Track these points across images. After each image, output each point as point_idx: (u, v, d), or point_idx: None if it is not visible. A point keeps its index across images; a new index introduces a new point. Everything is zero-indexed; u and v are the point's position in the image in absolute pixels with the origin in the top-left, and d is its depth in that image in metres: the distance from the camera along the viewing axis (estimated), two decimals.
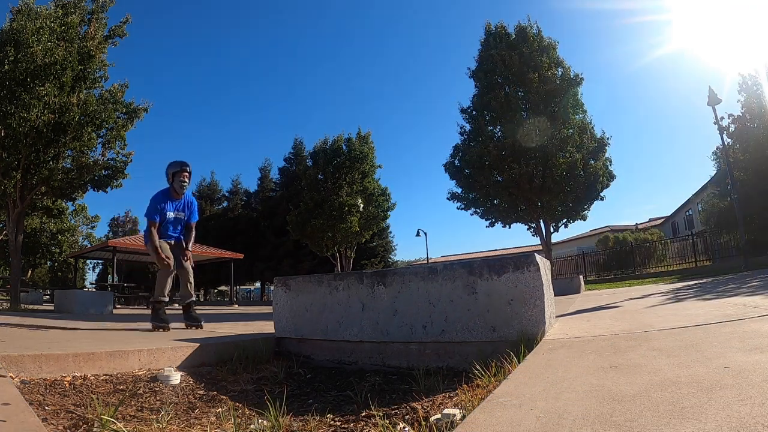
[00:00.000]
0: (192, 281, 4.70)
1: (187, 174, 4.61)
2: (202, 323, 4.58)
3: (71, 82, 10.99)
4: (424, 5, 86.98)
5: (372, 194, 21.64)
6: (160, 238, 4.48)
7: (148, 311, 4.97)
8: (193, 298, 4.72)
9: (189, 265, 4.66)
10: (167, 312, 4.54)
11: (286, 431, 1.75)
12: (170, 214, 4.59)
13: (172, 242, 4.65)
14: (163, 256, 4.34)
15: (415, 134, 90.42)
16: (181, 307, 4.70)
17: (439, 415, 1.67)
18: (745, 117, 16.95)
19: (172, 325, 4.44)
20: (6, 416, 1.38)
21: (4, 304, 12.23)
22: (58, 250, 30.27)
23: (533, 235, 16.61)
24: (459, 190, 16.55)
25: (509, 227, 16.77)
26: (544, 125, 14.62)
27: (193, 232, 4.86)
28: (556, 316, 3.59)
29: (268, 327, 3.96)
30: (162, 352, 2.69)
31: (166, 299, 4.48)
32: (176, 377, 2.42)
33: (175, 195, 4.60)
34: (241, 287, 43.73)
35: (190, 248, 4.73)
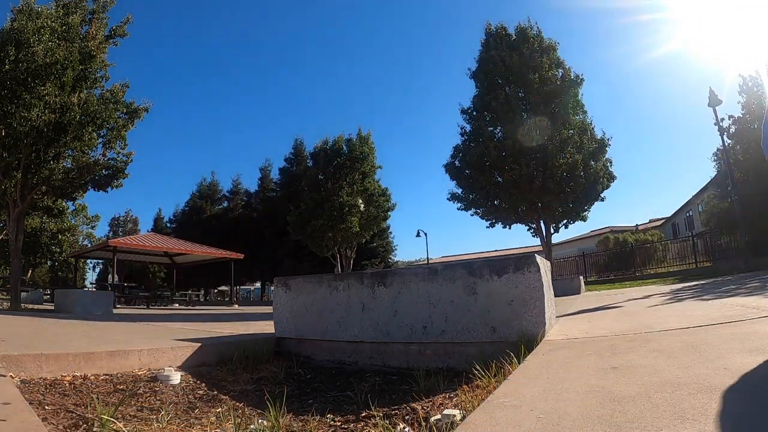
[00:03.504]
0: None
1: None
2: None
3: (72, 81, 10.99)
4: (427, 7, 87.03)
5: (372, 194, 21.63)
6: None
7: (149, 311, 4.99)
8: None
9: None
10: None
11: (286, 431, 1.75)
12: None
13: None
14: None
15: (416, 135, 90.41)
16: (184, 307, 4.56)
17: (439, 416, 1.67)
18: (746, 118, 16.96)
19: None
20: (6, 416, 1.38)
21: (5, 303, 12.24)
22: (58, 250, 30.25)
23: (533, 236, 16.61)
24: (459, 191, 16.54)
25: (510, 228, 16.77)
26: (544, 126, 14.61)
27: None
28: (557, 317, 3.59)
29: (268, 327, 3.96)
30: (162, 352, 2.69)
31: None
32: (176, 377, 2.42)
33: None
34: (242, 287, 43.73)
35: None
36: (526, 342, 2.35)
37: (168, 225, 41.52)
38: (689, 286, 8.27)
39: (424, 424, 1.68)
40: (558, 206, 15.22)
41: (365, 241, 23.69)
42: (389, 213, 22.86)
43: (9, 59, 10.15)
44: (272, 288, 3.99)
